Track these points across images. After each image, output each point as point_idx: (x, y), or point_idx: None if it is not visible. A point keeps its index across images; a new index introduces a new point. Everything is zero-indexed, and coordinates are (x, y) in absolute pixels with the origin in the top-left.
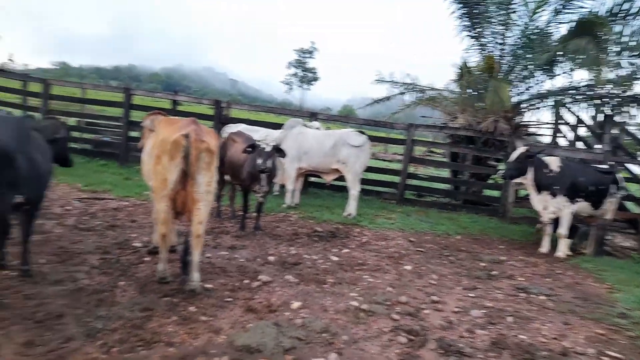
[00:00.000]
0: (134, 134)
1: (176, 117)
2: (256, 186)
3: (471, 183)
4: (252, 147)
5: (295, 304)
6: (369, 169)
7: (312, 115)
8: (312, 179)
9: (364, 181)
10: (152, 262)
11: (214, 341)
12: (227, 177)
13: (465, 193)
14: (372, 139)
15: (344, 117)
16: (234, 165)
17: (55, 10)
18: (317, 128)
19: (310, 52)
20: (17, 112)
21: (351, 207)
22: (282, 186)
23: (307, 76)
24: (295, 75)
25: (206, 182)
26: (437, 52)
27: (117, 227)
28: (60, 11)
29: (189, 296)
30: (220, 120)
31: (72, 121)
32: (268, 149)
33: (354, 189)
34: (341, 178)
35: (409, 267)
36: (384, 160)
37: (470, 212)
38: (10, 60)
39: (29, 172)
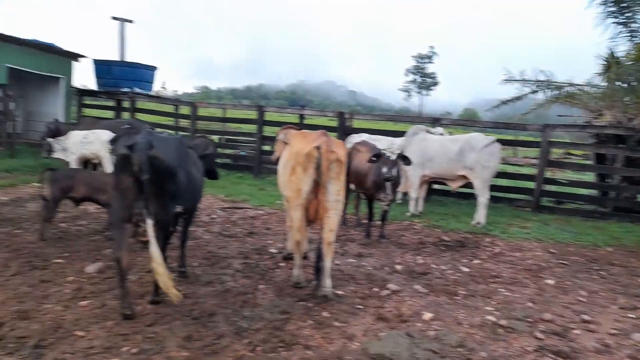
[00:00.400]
0: (266, 147)
1: (307, 131)
2: (381, 194)
3: (623, 188)
4: (378, 156)
5: (427, 315)
6: (499, 175)
7: (435, 121)
8: (436, 186)
9: (493, 187)
10: (287, 268)
11: (348, 347)
12: (351, 186)
13: (616, 199)
14: (500, 142)
15: (469, 121)
16: (358, 174)
17: (196, 40)
18: (441, 134)
19: (429, 57)
20: (171, 133)
21: (480, 215)
22: (405, 194)
23: (426, 82)
24: (413, 81)
25: (336, 191)
26: (571, 46)
27: (254, 234)
28: (200, 41)
29: (322, 301)
30: (343, 131)
31: (214, 138)
32: (393, 157)
33: (483, 196)
34: (467, 185)
35: (551, 282)
36: (516, 164)
37: (622, 221)
38: (163, 87)
39: (186, 185)
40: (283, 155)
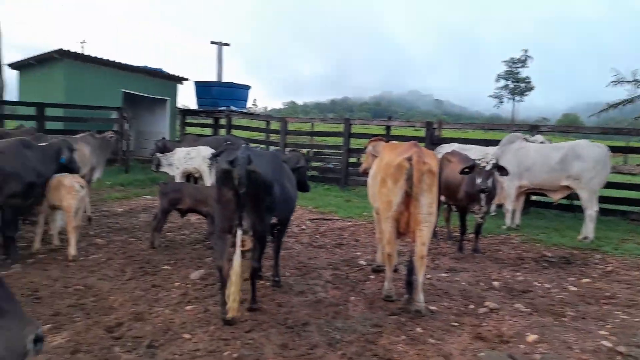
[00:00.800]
0: (352, 159)
1: (397, 142)
2: (475, 206)
3: None
4: (471, 167)
5: (531, 337)
6: (608, 185)
7: (533, 128)
8: (535, 197)
9: (602, 199)
10: (377, 280)
11: None
12: (442, 198)
13: None
14: (610, 149)
15: (572, 127)
16: (450, 186)
17: (283, 58)
18: (541, 142)
19: (523, 61)
20: (262, 147)
21: (588, 229)
22: (499, 206)
23: (520, 87)
24: (505, 87)
25: (428, 203)
26: None
27: (343, 246)
28: (286, 58)
29: (415, 316)
30: (431, 141)
31: (303, 152)
32: (488, 167)
33: (591, 209)
34: (571, 196)
35: None
36: (628, 173)
37: None
38: (254, 104)
39: (281, 197)
40: (373, 167)
